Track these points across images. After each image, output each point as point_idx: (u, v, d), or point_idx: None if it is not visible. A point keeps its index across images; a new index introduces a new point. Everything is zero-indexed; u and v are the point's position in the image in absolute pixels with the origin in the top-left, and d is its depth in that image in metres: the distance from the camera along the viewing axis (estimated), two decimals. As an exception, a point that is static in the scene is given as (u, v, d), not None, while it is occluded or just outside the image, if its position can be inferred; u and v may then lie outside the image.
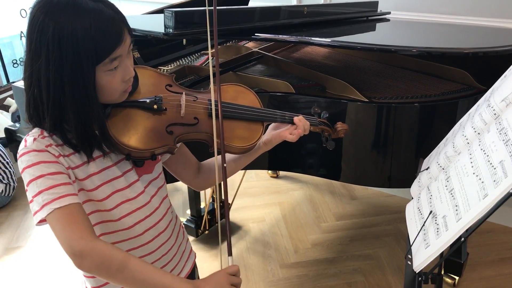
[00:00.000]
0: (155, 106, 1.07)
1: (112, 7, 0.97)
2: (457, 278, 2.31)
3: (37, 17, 0.91)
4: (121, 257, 0.93)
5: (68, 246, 0.91)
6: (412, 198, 1.15)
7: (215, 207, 2.70)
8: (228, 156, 1.26)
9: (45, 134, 0.98)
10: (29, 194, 0.94)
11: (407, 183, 1.89)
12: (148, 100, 1.07)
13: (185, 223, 2.70)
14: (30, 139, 0.97)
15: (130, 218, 1.09)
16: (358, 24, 2.37)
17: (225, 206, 1.11)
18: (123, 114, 1.04)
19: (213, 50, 2.56)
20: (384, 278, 2.41)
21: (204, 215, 2.67)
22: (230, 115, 1.19)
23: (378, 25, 2.43)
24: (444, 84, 2.01)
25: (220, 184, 1.22)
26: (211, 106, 1.13)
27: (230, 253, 1.06)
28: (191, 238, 2.69)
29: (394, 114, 1.74)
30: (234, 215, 2.94)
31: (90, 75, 0.94)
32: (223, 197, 2.75)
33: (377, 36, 2.24)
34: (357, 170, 1.90)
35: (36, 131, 0.99)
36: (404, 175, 1.84)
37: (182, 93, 1.14)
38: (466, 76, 1.99)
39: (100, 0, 0.96)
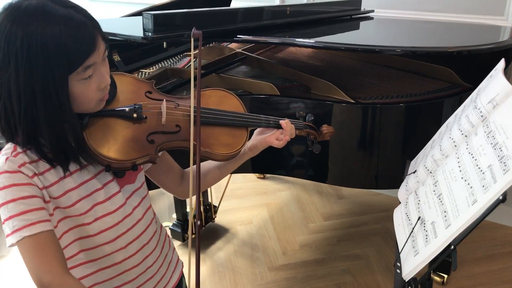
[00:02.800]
0: (135, 115, 1.03)
1: (84, 12, 0.93)
2: (445, 276, 2.31)
3: (3, 25, 0.87)
4: None
5: (36, 277, 0.88)
6: (400, 202, 1.13)
7: (200, 211, 2.67)
8: (212, 163, 1.23)
9: (19, 149, 0.93)
10: (1, 217, 0.90)
11: (394, 184, 1.89)
12: (127, 109, 1.03)
13: (171, 227, 2.66)
14: (2, 159, 0.92)
15: (111, 232, 1.05)
16: (341, 23, 2.35)
17: (197, 215, 1.07)
18: (101, 123, 1.00)
19: (195, 52, 2.52)
20: (373, 278, 2.40)
21: (190, 219, 2.62)
22: (213, 121, 1.15)
23: (362, 23, 2.41)
24: (429, 82, 2.00)
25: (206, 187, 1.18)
26: (198, 113, 1.09)
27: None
28: (177, 243, 2.66)
29: (380, 115, 1.72)
30: (221, 218, 2.91)
31: (62, 85, 0.90)
32: (209, 201, 2.72)
33: (361, 36, 2.22)
34: (343, 171, 1.88)
35: (9, 147, 0.94)
36: (391, 175, 1.83)
37: (163, 100, 1.11)
38: (451, 74, 1.98)
39: (71, 6, 0.91)
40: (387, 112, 1.74)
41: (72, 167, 0.97)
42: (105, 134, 0.99)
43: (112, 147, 0.98)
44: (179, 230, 2.64)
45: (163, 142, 1.06)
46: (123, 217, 1.07)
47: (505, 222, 2.64)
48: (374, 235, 2.73)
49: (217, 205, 2.82)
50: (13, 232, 0.88)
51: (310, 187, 3.22)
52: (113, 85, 1.03)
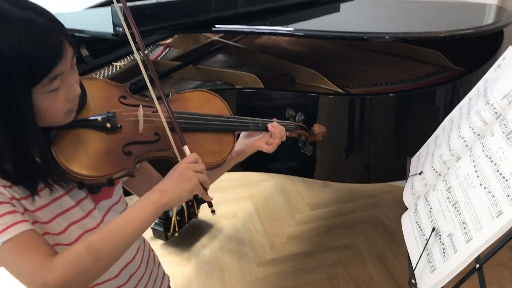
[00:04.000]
0: (109, 124, 0.92)
1: (47, 15, 0.80)
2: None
3: None
4: (84, 248, 0.80)
5: (28, 281, 0.78)
6: (407, 208, 1.04)
7: (183, 207, 2.56)
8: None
9: None
10: None
11: (386, 177, 1.82)
12: (99, 118, 0.92)
13: (153, 226, 2.55)
14: None
15: None
16: (322, 6, 2.23)
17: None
18: (71, 137, 0.89)
19: (170, 41, 2.37)
20: (365, 269, 2.34)
21: (172, 217, 2.52)
22: (195, 127, 1.05)
23: (342, 6, 2.30)
24: (419, 67, 1.92)
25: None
26: (176, 118, 0.98)
27: (184, 143, 0.97)
28: (160, 242, 2.56)
29: (370, 106, 1.63)
30: (205, 213, 2.80)
31: (25, 99, 0.78)
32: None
33: (344, 19, 2.11)
34: (333, 166, 1.79)
35: None
36: (383, 169, 1.75)
37: (139, 105, 0.99)
38: (441, 57, 1.90)
39: (31, 7, 0.78)
40: (377, 102, 1.65)
41: (40, 185, 0.86)
42: (76, 148, 0.88)
43: (84, 162, 0.87)
44: (161, 229, 2.53)
45: (141, 153, 0.95)
46: None
47: None
48: (362, 223, 2.67)
49: (200, 200, 2.71)
50: None
51: (294, 176, 3.14)
52: (82, 91, 0.91)
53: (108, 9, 1.53)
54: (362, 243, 2.52)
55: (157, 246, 2.54)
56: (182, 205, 2.56)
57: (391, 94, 1.65)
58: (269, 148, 1.13)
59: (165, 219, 2.53)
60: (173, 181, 0.89)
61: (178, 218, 2.54)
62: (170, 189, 0.88)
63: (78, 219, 0.93)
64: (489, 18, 2.06)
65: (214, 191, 3.03)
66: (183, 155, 0.97)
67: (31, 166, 0.83)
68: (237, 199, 2.94)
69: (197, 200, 0.95)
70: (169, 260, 2.45)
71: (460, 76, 1.73)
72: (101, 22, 1.62)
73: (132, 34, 0.97)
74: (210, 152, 1.04)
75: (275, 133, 1.13)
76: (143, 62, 0.98)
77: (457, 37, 1.61)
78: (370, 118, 1.66)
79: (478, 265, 0.76)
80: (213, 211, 1.00)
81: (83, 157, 0.88)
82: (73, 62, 0.84)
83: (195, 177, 0.90)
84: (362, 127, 1.68)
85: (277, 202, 2.90)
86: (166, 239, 2.56)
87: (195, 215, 2.73)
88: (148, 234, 2.53)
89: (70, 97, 0.85)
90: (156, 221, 2.56)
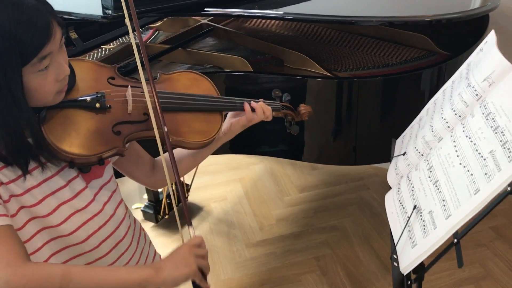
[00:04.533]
0: (98, 104, 0.94)
1: None
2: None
3: None
4: (60, 272, 0.82)
5: None
6: (391, 187, 1.08)
7: (173, 190, 2.58)
8: (185, 150, 1.15)
9: None
10: None
11: (373, 159, 1.86)
12: (88, 98, 0.94)
13: (143, 209, 2.57)
14: None
15: (83, 231, 0.98)
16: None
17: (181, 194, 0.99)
18: (61, 116, 0.91)
19: (159, 24, 2.36)
20: (351, 249, 2.39)
21: (162, 199, 2.54)
22: (183, 107, 1.07)
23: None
24: (405, 50, 1.94)
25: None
26: (162, 99, 1.00)
27: (189, 223, 0.98)
28: (150, 224, 2.58)
29: (357, 89, 1.65)
30: (195, 196, 2.83)
31: (15, 79, 0.80)
32: (181, 179, 2.62)
33: (332, 3, 2.12)
34: (320, 148, 1.82)
35: None
36: (370, 150, 1.78)
37: (128, 86, 1.01)
38: (427, 41, 1.93)
39: None
40: (364, 85, 1.68)
41: (32, 164, 0.89)
42: (66, 128, 0.90)
43: (74, 142, 0.89)
44: (151, 211, 2.56)
45: (130, 132, 0.98)
46: (93, 215, 1.00)
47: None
48: (350, 205, 2.72)
49: (189, 183, 2.73)
50: None
51: (283, 159, 3.16)
52: (71, 72, 0.93)
53: (96, -9, 1.53)
54: (349, 225, 2.56)
55: (148, 228, 2.57)
56: (172, 187, 2.58)
57: (378, 78, 1.67)
58: (252, 120, 1.16)
59: (155, 201, 2.56)
60: (171, 263, 0.90)
61: (168, 200, 2.57)
62: (166, 271, 0.88)
63: (68, 199, 0.95)
64: (476, 3, 2.08)
65: (204, 175, 3.07)
66: (180, 188, 0.99)
67: (23, 145, 0.85)
68: (227, 182, 2.97)
69: (194, 285, 0.93)
70: (160, 242, 2.47)
71: (446, 60, 1.76)
72: (90, 5, 1.62)
73: (129, 15, 0.97)
74: (198, 131, 1.07)
75: (258, 112, 1.16)
76: (136, 44, 0.99)
77: (443, 21, 1.63)
78: (357, 101, 1.68)
79: (456, 240, 0.79)
80: None
81: (73, 136, 0.90)
82: (61, 42, 0.86)
83: (194, 264, 0.90)
84: (349, 110, 1.71)
85: (266, 185, 2.94)
86: (156, 221, 2.59)
87: (185, 198, 2.76)
88: (138, 216, 2.55)
89: (60, 77, 0.87)
90: (146, 203, 2.58)
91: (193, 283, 0.92)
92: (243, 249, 2.45)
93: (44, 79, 0.84)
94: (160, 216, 2.59)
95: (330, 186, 2.91)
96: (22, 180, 0.88)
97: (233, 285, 2.23)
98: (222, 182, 2.97)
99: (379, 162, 1.77)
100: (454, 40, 1.96)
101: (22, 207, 0.89)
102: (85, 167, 0.97)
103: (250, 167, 3.11)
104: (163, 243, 2.47)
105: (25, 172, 0.87)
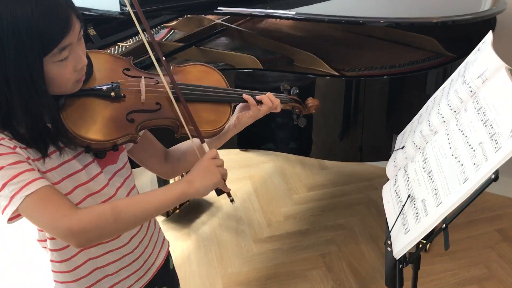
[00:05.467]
0: (113, 93, 1.00)
1: None
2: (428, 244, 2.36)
3: None
4: (110, 208, 0.92)
5: (53, 228, 0.90)
6: (388, 178, 1.12)
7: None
8: (196, 142, 1.21)
9: None
10: None
11: (378, 156, 1.90)
12: (104, 87, 1.00)
13: (155, 203, 2.63)
14: None
15: None
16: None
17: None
18: (78, 104, 0.97)
19: (174, 23, 2.43)
20: (357, 248, 2.43)
21: (174, 194, 2.60)
22: (195, 97, 1.12)
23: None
24: (412, 52, 1.98)
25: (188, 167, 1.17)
26: (174, 89, 1.06)
27: (202, 141, 1.07)
28: (161, 218, 2.65)
29: (364, 87, 1.70)
30: (205, 192, 2.89)
31: (37, 68, 0.86)
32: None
33: (343, 5, 2.17)
34: (327, 144, 1.87)
35: None
36: (375, 148, 1.83)
37: (141, 77, 1.07)
38: (434, 43, 1.97)
39: None
40: (371, 84, 1.73)
41: (50, 149, 0.95)
42: (83, 115, 0.96)
43: (91, 128, 0.95)
44: (162, 205, 2.62)
45: (143, 120, 1.03)
46: (107, 198, 1.06)
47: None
48: (358, 205, 2.76)
49: (200, 179, 2.79)
50: (11, 199, 0.87)
51: (293, 159, 3.22)
52: (89, 63, 0.99)
53: (114, -10, 1.60)
54: (356, 224, 2.60)
55: (159, 221, 2.63)
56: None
57: (385, 77, 1.72)
58: (259, 114, 1.20)
59: (166, 196, 2.62)
60: (200, 174, 0.99)
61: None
62: (197, 181, 0.98)
63: (84, 182, 1.01)
64: (485, 6, 2.11)
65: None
66: (202, 152, 1.06)
67: (43, 130, 0.91)
68: (237, 179, 3.03)
69: (218, 192, 1.04)
70: (170, 235, 2.54)
71: (451, 61, 1.80)
72: (108, 2, 1.69)
73: (135, 14, 1.04)
74: (208, 121, 1.12)
75: (266, 103, 1.20)
76: (149, 43, 1.06)
77: (449, 23, 1.67)
78: (364, 100, 1.73)
79: (444, 225, 0.84)
80: (232, 200, 1.08)
81: (89, 123, 0.95)
82: (80, 34, 0.92)
83: (218, 172, 1.00)
84: (356, 108, 1.76)
85: (275, 183, 2.99)
86: (167, 215, 2.66)
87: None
88: (150, 210, 2.61)
89: (78, 66, 0.93)
90: (157, 197, 2.64)
91: (216, 189, 1.03)
92: (251, 244, 2.50)
93: (64, 69, 0.90)
94: (171, 211, 2.66)
95: (338, 185, 2.95)
96: (42, 162, 0.94)
97: (240, 278, 2.29)
98: (232, 179, 3.03)
99: (384, 160, 1.81)
100: (462, 43, 2.00)
101: None
102: (101, 153, 1.03)
103: (260, 165, 3.17)
104: (174, 237, 2.54)
105: (45, 155, 0.94)
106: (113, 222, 0.91)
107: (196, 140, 1.09)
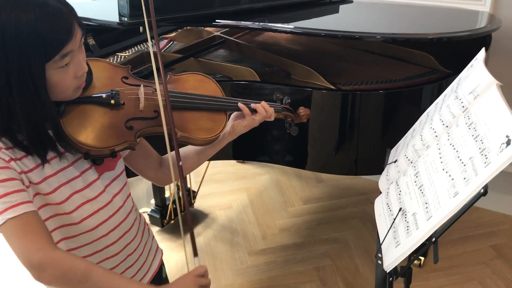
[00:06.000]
0: (112, 101, 1.02)
1: None
2: (422, 258, 2.36)
3: None
4: (83, 268, 0.89)
5: (25, 258, 0.87)
6: (381, 192, 1.13)
7: (180, 196, 2.64)
8: (191, 148, 1.22)
9: None
10: None
11: (373, 170, 1.90)
12: (104, 95, 1.02)
13: (150, 213, 2.63)
14: None
15: (92, 220, 1.05)
16: (321, 7, 2.32)
17: (186, 209, 1.06)
18: (78, 111, 0.98)
19: (173, 34, 2.45)
20: (352, 262, 2.43)
21: (169, 204, 2.61)
22: (190, 106, 1.14)
23: (341, 7, 2.38)
24: (409, 67, 2.00)
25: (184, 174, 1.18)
26: (171, 98, 1.07)
27: (195, 254, 1.04)
28: (156, 229, 2.64)
29: (360, 101, 1.72)
30: (201, 203, 2.89)
31: (39, 74, 0.88)
32: (188, 186, 2.69)
33: (340, 20, 2.20)
34: (323, 158, 1.88)
35: None
36: (370, 161, 1.83)
37: (140, 85, 1.08)
38: (430, 59, 1.99)
39: None
40: (367, 98, 1.74)
41: (50, 154, 0.96)
42: (82, 121, 0.97)
43: (90, 135, 0.96)
44: (157, 216, 2.62)
45: (141, 128, 1.05)
46: (103, 205, 1.06)
47: (479, 205, 2.70)
48: (353, 219, 2.76)
49: (196, 190, 2.80)
50: None
51: (289, 171, 3.22)
52: (88, 71, 1.01)
53: (114, 0, 1.62)
54: (350, 237, 2.60)
55: (153, 232, 2.62)
56: (178, 193, 2.65)
57: (380, 91, 1.73)
58: (253, 123, 1.22)
59: (161, 206, 2.62)
60: None
61: (174, 206, 2.63)
62: None
63: (80, 189, 1.01)
64: (480, 24, 2.14)
65: (211, 183, 3.13)
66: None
67: (44, 136, 0.93)
68: (233, 191, 3.03)
69: None
70: (164, 246, 2.52)
71: (447, 77, 1.82)
72: (107, 13, 1.71)
73: (149, 22, 1.05)
74: (204, 128, 1.14)
75: (260, 111, 1.22)
76: (154, 52, 1.07)
77: (444, 40, 1.69)
78: (359, 114, 1.74)
79: (434, 239, 0.84)
80: None
81: (89, 129, 0.97)
82: (81, 42, 0.93)
83: None
84: (351, 122, 1.77)
85: (271, 195, 2.99)
86: (162, 226, 2.65)
87: (191, 204, 2.82)
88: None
89: (78, 73, 0.94)
90: (152, 207, 2.65)
91: None
92: (245, 256, 2.49)
93: (65, 75, 0.91)
94: (165, 221, 2.65)
95: (334, 199, 2.95)
96: (40, 169, 0.95)
97: (233, 290, 2.28)
98: (228, 191, 3.03)
99: (379, 174, 1.82)
100: (458, 59, 2.02)
101: (37, 194, 0.96)
102: (99, 159, 1.04)
103: (257, 177, 3.17)
104: (168, 247, 2.53)
105: (44, 161, 0.94)
106: (77, 282, 0.89)
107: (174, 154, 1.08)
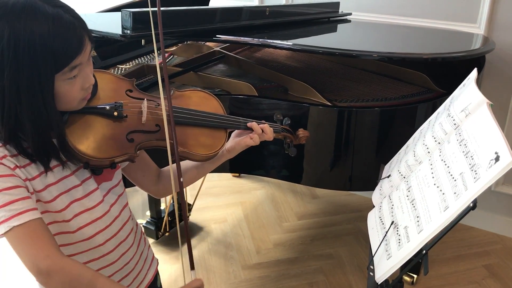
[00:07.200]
0: (115, 113, 1.03)
1: (72, 12, 0.92)
2: (415, 276, 2.37)
3: None
4: (90, 276, 0.91)
5: (33, 265, 0.88)
6: (374, 206, 1.15)
7: (175, 208, 2.65)
8: (190, 163, 1.24)
9: None
10: None
11: (368, 186, 1.92)
12: (108, 107, 1.03)
13: (145, 225, 2.64)
14: None
15: (89, 229, 1.06)
16: (319, 26, 2.37)
17: (184, 219, 1.07)
18: (81, 121, 1.00)
19: (174, 49, 2.49)
20: (345, 278, 2.44)
21: (164, 216, 2.61)
22: (192, 122, 1.16)
23: (339, 26, 2.44)
24: (404, 86, 2.04)
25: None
26: (172, 113, 1.09)
27: (192, 267, 1.04)
28: (151, 241, 2.65)
29: (355, 118, 1.75)
30: (196, 216, 2.90)
31: (48, 84, 0.90)
32: (185, 199, 2.69)
33: (338, 39, 2.24)
34: (318, 172, 1.90)
35: None
36: (365, 177, 1.86)
37: (144, 99, 1.10)
38: (425, 79, 2.03)
39: (60, 5, 0.91)
40: (363, 115, 1.77)
41: (53, 163, 0.97)
42: (85, 132, 0.99)
43: (91, 145, 0.98)
44: (152, 227, 2.63)
45: (142, 141, 1.06)
46: (101, 214, 1.07)
47: (473, 224, 2.72)
48: (347, 235, 2.77)
49: (191, 203, 2.81)
50: (0, 223, 0.88)
51: (285, 187, 3.25)
52: (94, 83, 1.02)
53: (117, 14, 1.65)
54: (344, 254, 2.61)
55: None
56: (173, 206, 2.66)
57: (376, 109, 1.77)
58: (252, 141, 1.24)
59: (157, 218, 2.63)
60: None
61: (169, 218, 2.64)
62: None
63: (79, 198, 1.03)
64: (475, 46, 2.19)
65: (206, 196, 3.14)
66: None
67: (48, 144, 0.94)
68: (228, 205, 3.04)
69: None
70: (158, 258, 2.49)
71: (441, 96, 1.86)
72: (111, 25, 1.75)
73: (156, 35, 1.08)
74: (204, 145, 1.15)
75: (257, 132, 1.24)
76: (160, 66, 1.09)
77: (439, 60, 1.73)
78: (355, 130, 1.77)
79: (424, 251, 0.86)
80: None
81: (90, 140, 0.98)
82: (90, 54, 0.96)
83: None
84: (347, 138, 1.80)
85: (266, 210, 3.00)
86: (157, 238, 2.65)
87: (187, 218, 2.83)
88: (139, 231, 2.62)
89: (85, 85, 0.96)
90: (148, 219, 2.66)
91: None
92: (239, 270, 2.50)
93: (72, 86, 0.93)
94: (160, 233, 2.66)
95: (328, 215, 2.97)
96: (43, 177, 0.96)
97: (226, 304, 2.28)
98: (223, 205, 3.05)
99: (373, 190, 1.84)
100: (452, 79, 2.06)
101: (38, 201, 0.97)
102: (98, 169, 1.05)
103: (252, 192, 3.19)
104: (163, 260, 2.52)
105: (47, 168, 0.96)
106: None
107: (174, 165, 1.10)
